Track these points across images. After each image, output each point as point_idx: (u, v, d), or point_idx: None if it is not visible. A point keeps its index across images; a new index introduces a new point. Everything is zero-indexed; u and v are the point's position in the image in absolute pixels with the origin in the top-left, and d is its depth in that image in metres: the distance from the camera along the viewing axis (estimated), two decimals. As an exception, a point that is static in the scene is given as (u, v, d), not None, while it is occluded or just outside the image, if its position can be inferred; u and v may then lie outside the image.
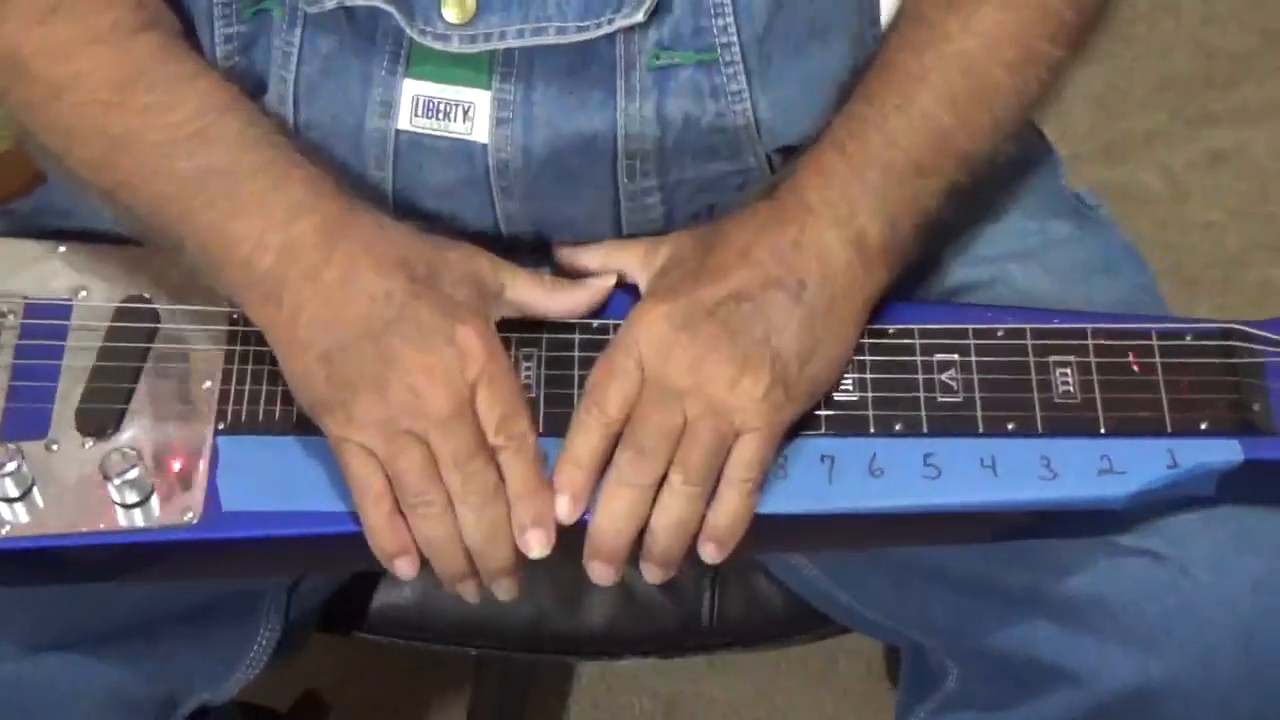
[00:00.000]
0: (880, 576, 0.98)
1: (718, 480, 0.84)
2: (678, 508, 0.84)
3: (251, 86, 0.91)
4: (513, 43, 0.87)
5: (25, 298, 0.91)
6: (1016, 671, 0.90)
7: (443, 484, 0.83)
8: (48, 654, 0.91)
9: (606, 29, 0.86)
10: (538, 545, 0.84)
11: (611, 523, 0.84)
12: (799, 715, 1.56)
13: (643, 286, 0.91)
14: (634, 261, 0.91)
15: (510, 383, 0.85)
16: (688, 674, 1.57)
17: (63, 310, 0.90)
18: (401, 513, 0.84)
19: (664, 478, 0.84)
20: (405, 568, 0.85)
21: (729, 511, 0.84)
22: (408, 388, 0.82)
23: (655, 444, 0.83)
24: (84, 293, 0.91)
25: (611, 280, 0.91)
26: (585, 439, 0.84)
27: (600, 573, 0.85)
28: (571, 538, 0.85)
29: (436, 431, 0.82)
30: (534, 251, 0.94)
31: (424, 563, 0.85)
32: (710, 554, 0.85)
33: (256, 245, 0.84)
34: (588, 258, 0.93)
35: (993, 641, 0.91)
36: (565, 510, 0.84)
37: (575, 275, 0.92)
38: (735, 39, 0.88)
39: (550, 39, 0.86)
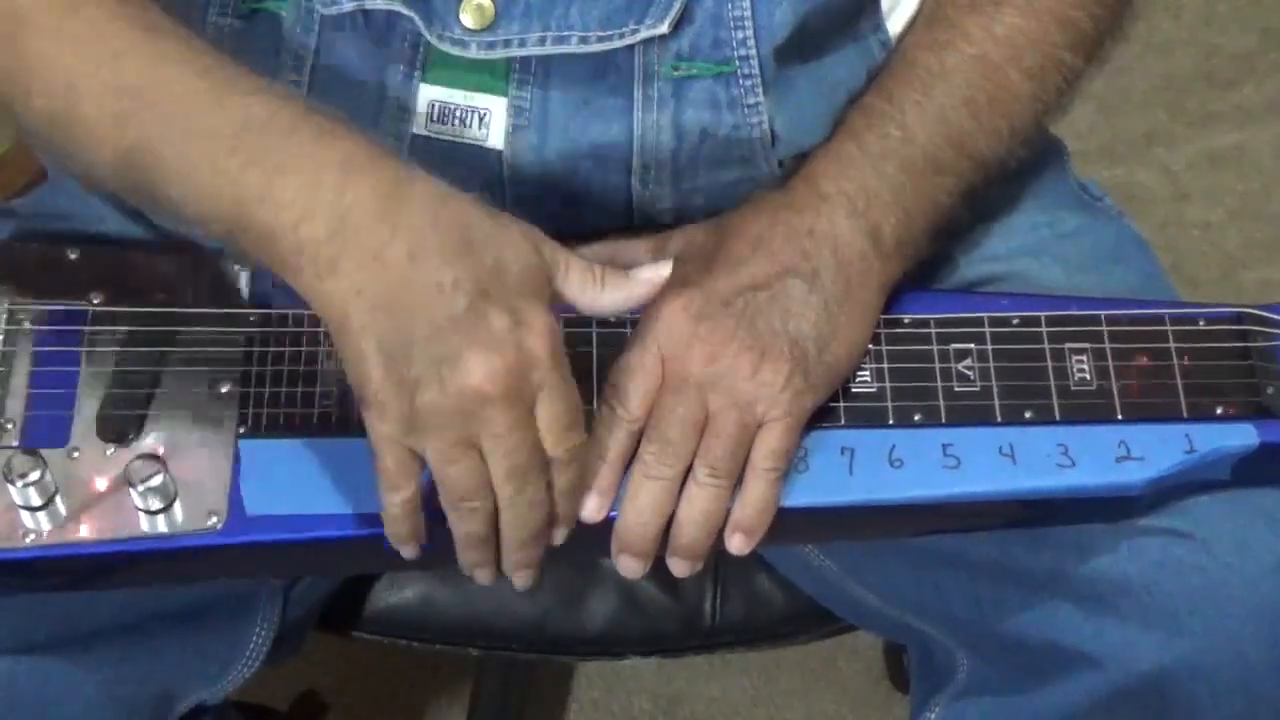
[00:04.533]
0: (895, 564, 0.98)
1: (742, 471, 0.84)
2: (704, 499, 0.84)
3: None
4: (533, 50, 0.86)
5: (41, 304, 0.90)
6: (1036, 656, 0.90)
7: (492, 490, 0.80)
8: (39, 653, 0.90)
9: (629, 39, 0.86)
10: (562, 539, 0.84)
11: (638, 516, 0.84)
12: (799, 715, 1.56)
13: None
14: (643, 255, 0.91)
15: (571, 393, 0.80)
16: (688, 674, 1.57)
17: (79, 316, 0.90)
18: (420, 507, 0.82)
19: (689, 470, 0.84)
20: (410, 551, 0.83)
21: (755, 501, 0.84)
22: (471, 394, 0.77)
23: (679, 437, 0.84)
24: (99, 298, 0.90)
25: (667, 269, 0.85)
26: (609, 436, 0.84)
27: (628, 565, 0.86)
28: (580, 536, 0.85)
29: (495, 443, 0.78)
30: None
31: (433, 560, 0.85)
32: (738, 545, 0.85)
33: (306, 211, 0.76)
34: (593, 253, 0.92)
35: (1011, 626, 0.91)
36: (592, 507, 0.84)
37: None
38: (754, 52, 0.88)
39: (572, 48, 0.86)
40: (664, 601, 1.12)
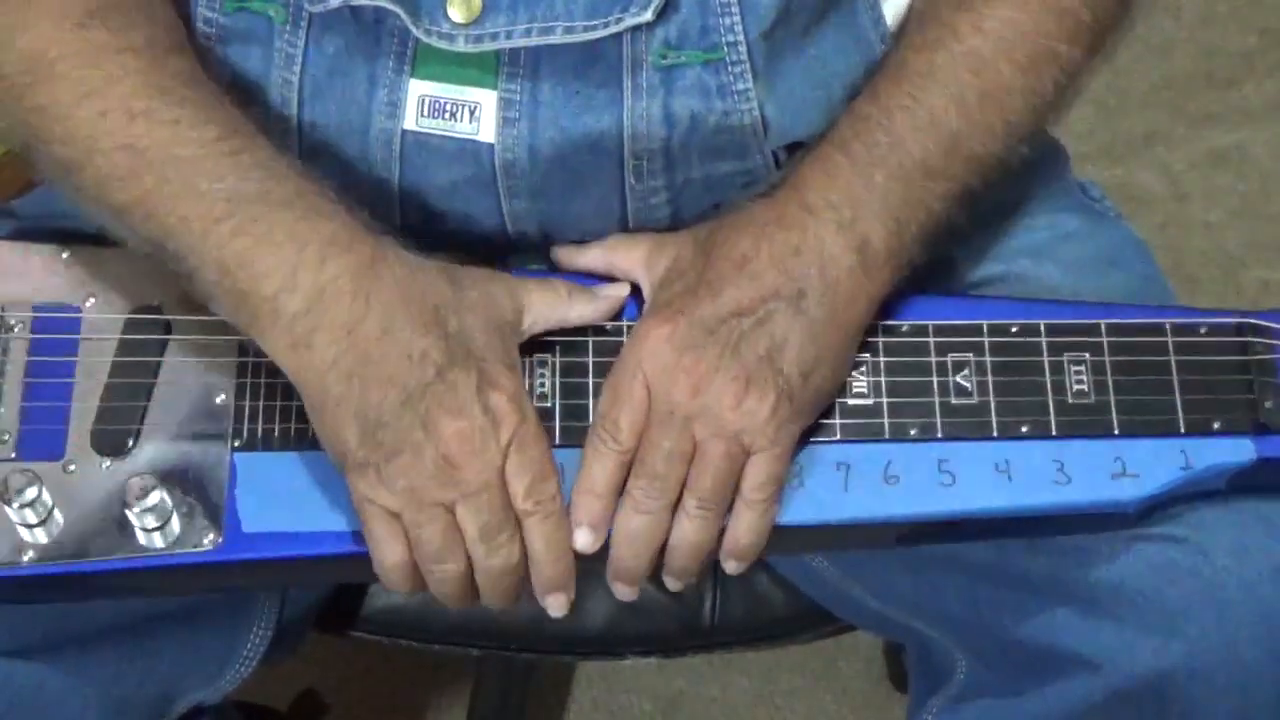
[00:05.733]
0: (894, 567, 0.98)
1: (734, 494, 0.84)
2: (693, 530, 0.84)
3: (227, 82, 0.90)
4: (519, 42, 0.86)
5: (33, 307, 0.89)
6: (1033, 659, 0.90)
7: (464, 551, 0.83)
8: (37, 654, 0.90)
9: (615, 28, 0.86)
10: (558, 607, 0.86)
11: (630, 547, 0.85)
12: (799, 715, 1.56)
13: (645, 291, 0.90)
14: (636, 264, 0.91)
15: (540, 447, 0.84)
16: (688, 674, 1.57)
17: (72, 322, 0.89)
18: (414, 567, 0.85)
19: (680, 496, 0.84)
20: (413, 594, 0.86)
21: (747, 530, 0.85)
22: (442, 457, 0.81)
23: (667, 470, 0.84)
24: (92, 300, 0.90)
25: (626, 289, 0.90)
26: (600, 467, 0.84)
27: (623, 592, 0.87)
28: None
29: (465, 503, 0.82)
30: (540, 249, 0.94)
31: None
32: (732, 569, 0.86)
33: (285, 283, 0.82)
34: (587, 258, 0.92)
35: (1009, 629, 0.91)
36: (585, 541, 0.84)
37: (578, 276, 0.92)
38: (742, 38, 0.87)
39: (558, 38, 0.86)
40: (664, 601, 1.12)
